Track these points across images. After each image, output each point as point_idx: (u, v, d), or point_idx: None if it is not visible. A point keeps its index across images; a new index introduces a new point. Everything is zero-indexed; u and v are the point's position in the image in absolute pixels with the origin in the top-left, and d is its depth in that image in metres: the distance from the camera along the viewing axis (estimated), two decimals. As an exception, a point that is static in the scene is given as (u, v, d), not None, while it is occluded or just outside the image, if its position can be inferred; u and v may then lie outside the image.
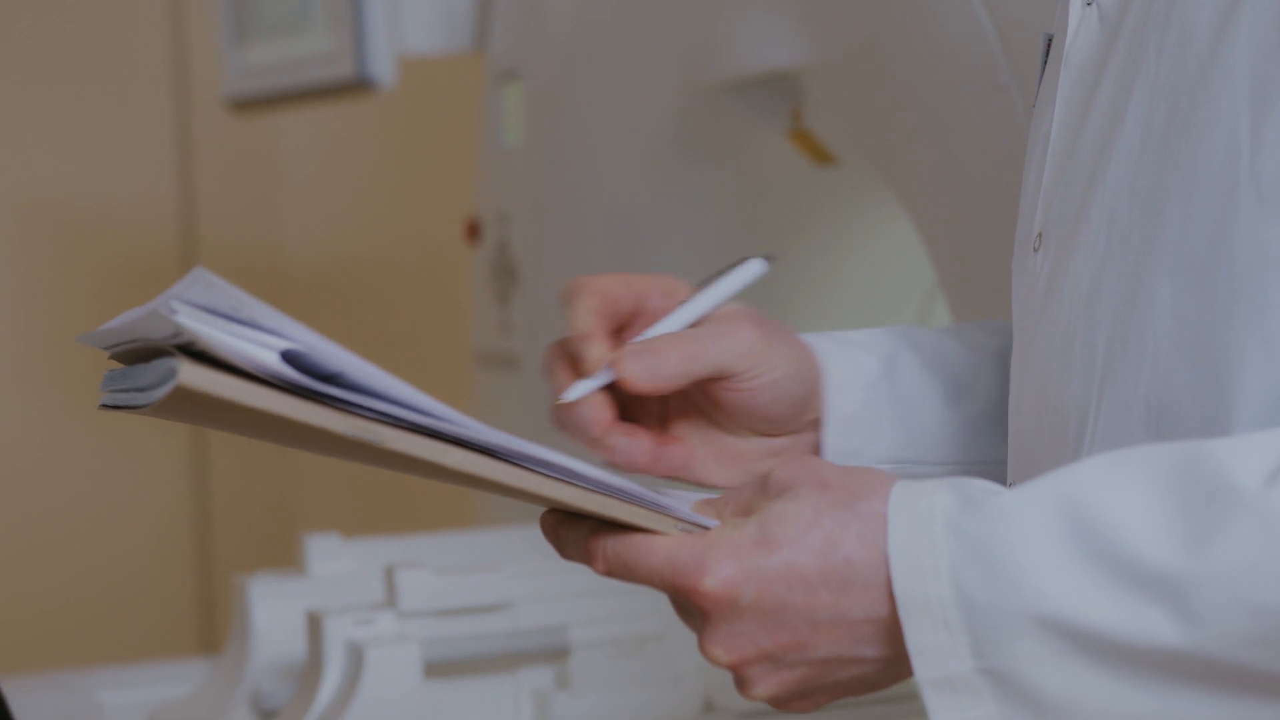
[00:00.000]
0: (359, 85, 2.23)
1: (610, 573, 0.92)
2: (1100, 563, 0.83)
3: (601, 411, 0.98)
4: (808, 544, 0.87)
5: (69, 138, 3.18)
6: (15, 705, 1.37)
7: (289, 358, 0.82)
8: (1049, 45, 1.04)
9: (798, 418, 1.03)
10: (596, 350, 0.97)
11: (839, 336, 1.07)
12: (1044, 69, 1.04)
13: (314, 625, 1.50)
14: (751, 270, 1.02)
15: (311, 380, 0.83)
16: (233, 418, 0.85)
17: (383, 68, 2.21)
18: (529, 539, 1.70)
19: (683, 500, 0.93)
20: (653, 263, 1.92)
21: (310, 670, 1.50)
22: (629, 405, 1.02)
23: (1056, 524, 0.84)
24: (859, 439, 1.05)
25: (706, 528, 0.90)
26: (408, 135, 3.25)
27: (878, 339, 1.08)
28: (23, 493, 3.17)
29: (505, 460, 0.88)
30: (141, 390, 0.84)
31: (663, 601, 1.54)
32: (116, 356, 0.87)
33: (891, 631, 0.86)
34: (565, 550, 0.94)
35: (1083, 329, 0.93)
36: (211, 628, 3.29)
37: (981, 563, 0.84)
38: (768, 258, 1.02)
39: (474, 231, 2.25)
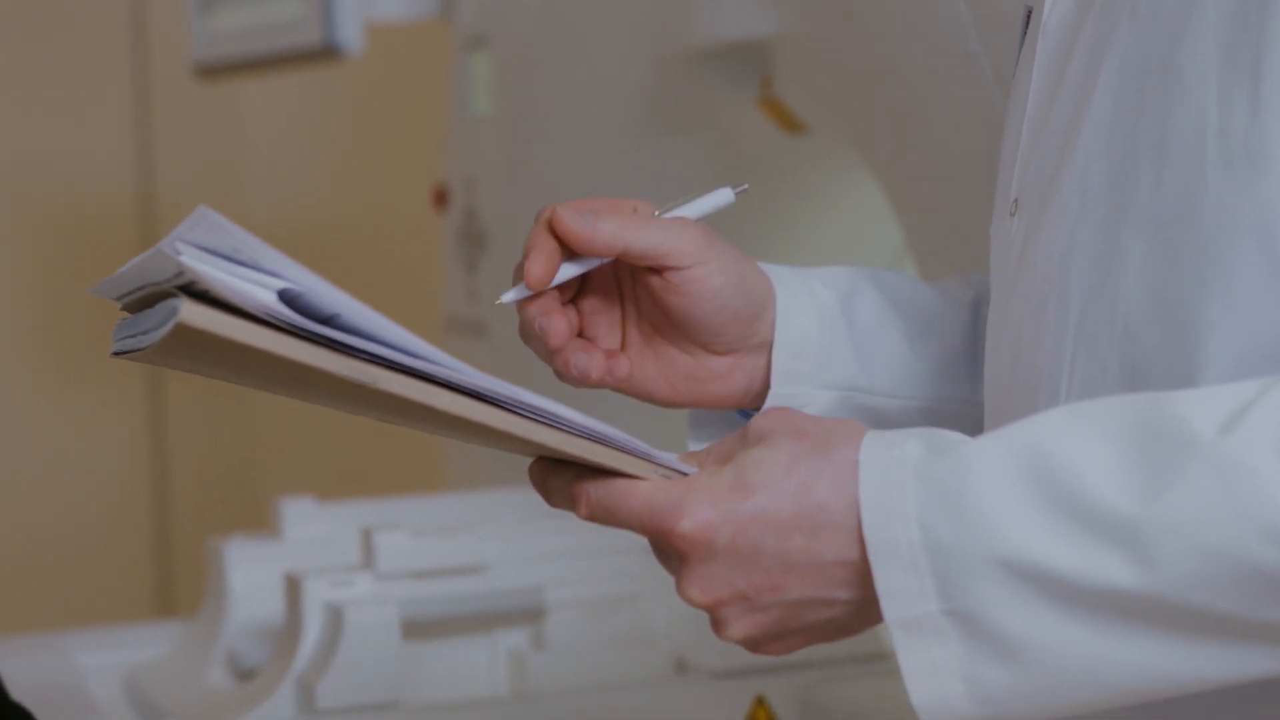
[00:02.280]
0: (326, 52, 2.24)
1: (592, 516, 0.94)
2: (1060, 508, 0.85)
3: (560, 324, 1.02)
4: (782, 489, 0.89)
5: (28, 100, 3.17)
6: (-6, 667, 1.38)
7: (286, 298, 0.83)
8: (1028, 17, 1.06)
9: (743, 336, 1.05)
10: (537, 266, 1.01)
11: (800, 270, 1.10)
12: (1023, 40, 1.06)
13: (293, 587, 1.52)
14: (719, 197, 1.05)
15: (308, 321, 0.84)
16: (230, 360, 0.86)
17: (350, 35, 2.22)
18: (502, 502, 1.72)
19: (668, 454, 0.96)
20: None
21: (289, 631, 1.51)
22: (590, 319, 1.05)
23: (1019, 471, 0.86)
24: (808, 364, 1.07)
25: (685, 474, 0.93)
26: (370, 101, 3.25)
27: (841, 274, 1.11)
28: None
29: (494, 404, 0.90)
30: (145, 333, 0.86)
31: (636, 564, 1.57)
32: (127, 307, 0.89)
33: (862, 574, 0.89)
34: (551, 497, 0.96)
35: (1056, 291, 0.95)
36: (171, 590, 3.29)
37: (947, 507, 0.87)
38: (736, 189, 1.04)
39: (441, 198, 2.26)
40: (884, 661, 1.55)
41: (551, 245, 1.02)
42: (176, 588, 3.30)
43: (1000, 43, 1.36)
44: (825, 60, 1.61)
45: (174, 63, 3.14)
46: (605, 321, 1.06)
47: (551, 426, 0.91)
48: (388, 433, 3.12)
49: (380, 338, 0.86)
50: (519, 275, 1.03)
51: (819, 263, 1.89)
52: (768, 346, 1.07)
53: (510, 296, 1.03)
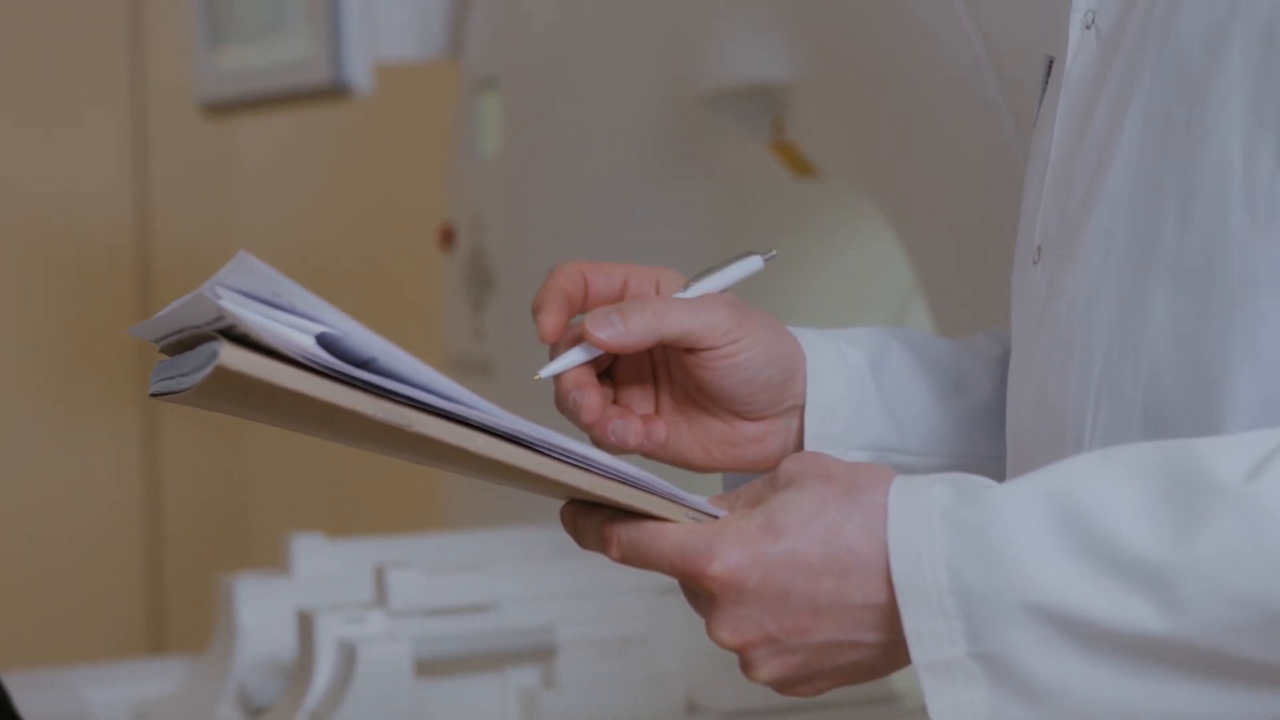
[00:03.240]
0: (335, 91, 2.25)
1: (624, 559, 0.95)
2: (1088, 552, 0.86)
3: (594, 398, 1.02)
4: (811, 532, 0.90)
5: (25, 134, 3.17)
6: None
7: (324, 342, 0.85)
8: (1050, 67, 1.07)
9: (775, 402, 1.06)
10: (548, 322, 1.01)
11: (828, 331, 1.10)
12: (1045, 89, 1.07)
13: (305, 623, 1.52)
14: (748, 265, 1.05)
15: (345, 365, 0.86)
16: (268, 403, 0.87)
17: (359, 74, 2.23)
18: (514, 541, 1.72)
19: (698, 497, 0.97)
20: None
21: (301, 668, 1.52)
22: (625, 386, 1.06)
23: (1047, 516, 0.87)
24: (839, 426, 1.08)
25: (716, 516, 0.94)
26: (364, 137, 3.26)
27: (868, 335, 1.12)
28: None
29: (527, 448, 0.91)
30: (185, 375, 0.87)
31: (648, 604, 1.58)
32: (165, 349, 0.90)
33: (890, 617, 0.90)
34: (583, 539, 0.97)
35: (1080, 338, 0.96)
36: (163, 624, 3.29)
37: (976, 551, 0.88)
38: (766, 255, 1.05)
39: (448, 238, 2.27)
40: (895, 704, 1.56)
41: (561, 300, 1.03)
42: (169, 622, 3.30)
43: (1019, 91, 1.37)
44: (839, 105, 1.62)
45: (171, 95, 3.15)
46: (638, 390, 1.07)
47: (584, 469, 0.92)
48: (383, 468, 3.12)
49: (416, 381, 0.88)
50: (553, 350, 1.03)
51: (825, 305, 1.93)
52: (799, 410, 1.07)
53: (547, 372, 1.03)
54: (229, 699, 1.63)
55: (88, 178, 3.22)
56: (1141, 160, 0.95)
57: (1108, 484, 0.87)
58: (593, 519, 0.96)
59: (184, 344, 0.89)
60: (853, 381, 1.08)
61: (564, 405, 1.03)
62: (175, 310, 0.87)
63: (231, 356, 0.84)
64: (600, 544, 0.96)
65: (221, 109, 2.48)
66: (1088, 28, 1.02)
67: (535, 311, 1.02)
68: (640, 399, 1.07)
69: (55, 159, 3.19)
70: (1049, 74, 1.07)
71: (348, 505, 3.25)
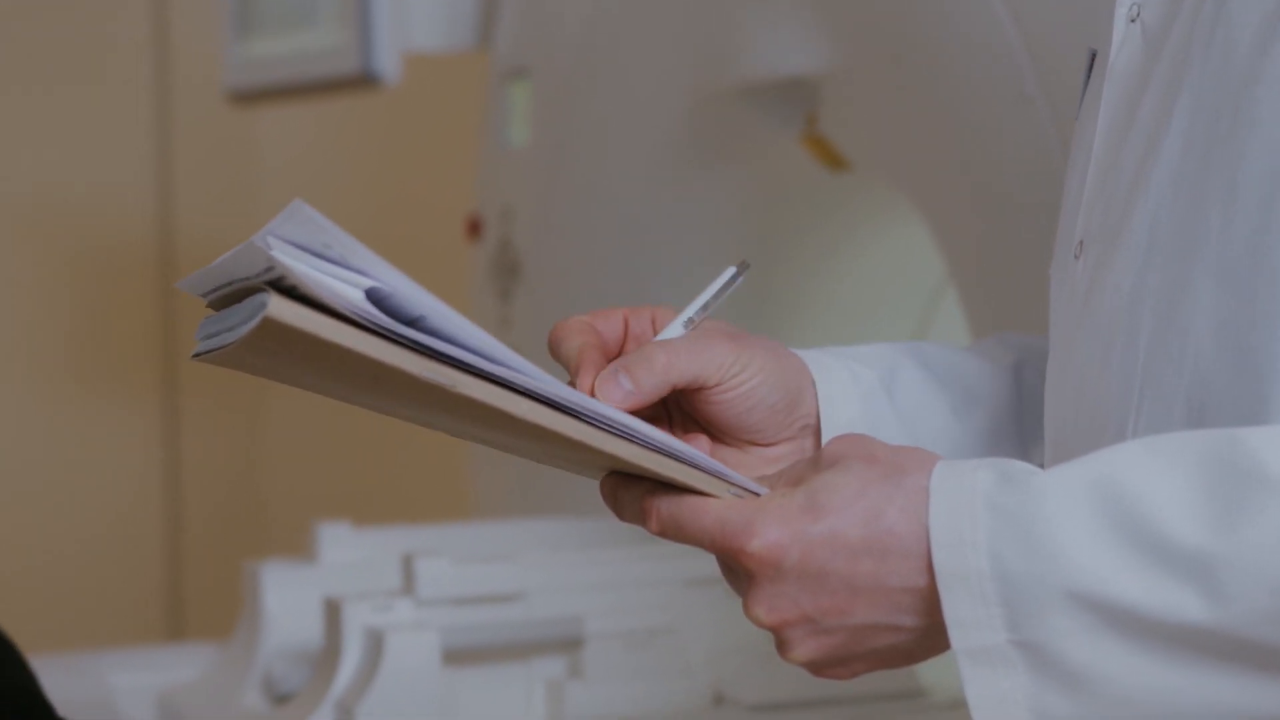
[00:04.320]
0: (364, 81, 2.24)
1: (663, 532, 0.94)
2: (1132, 540, 0.86)
3: None
4: (852, 513, 0.90)
5: (48, 125, 3.18)
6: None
7: (374, 297, 0.84)
8: (1093, 59, 1.07)
9: (782, 426, 1.05)
10: (589, 382, 1.00)
11: (836, 350, 1.10)
12: (1087, 82, 1.07)
13: (333, 611, 1.52)
14: (724, 276, 1.05)
15: (393, 321, 0.85)
16: (311, 359, 0.86)
17: (388, 64, 2.23)
18: (542, 530, 1.72)
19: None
20: (661, 264, 1.94)
21: (328, 655, 1.51)
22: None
23: (1091, 502, 0.87)
24: None
25: (757, 493, 0.93)
26: (391, 127, 3.26)
27: (878, 352, 1.11)
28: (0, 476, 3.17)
29: (571, 415, 0.90)
30: (231, 329, 0.86)
31: (676, 595, 1.57)
32: (212, 304, 0.89)
33: (929, 601, 0.89)
34: (622, 511, 0.97)
35: (1123, 332, 0.96)
36: (182, 610, 3.29)
37: (1018, 537, 0.87)
38: (740, 266, 1.05)
39: (475, 229, 2.26)
40: (923, 698, 1.55)
41: (596, 356, 1.01)
42: (188, 607, 3.30)
43: (1058, 85, 1.36)
44: (872, 98, 1.61)
45: (195, 87, 3.15)
46: (654, 424, 1.06)
47: (627, 439, 0.92)
48: (406, 454, 3.13)
49: (464, 342, 0.87)
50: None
51: (856, 300, 1.92)
52: (812, 429, 1.07)
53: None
54: (254, 686, 1.63)
55: (112, 169, 3.23)
56: (1188, 152, 0.94)
57: (1153, 471, 0.87)
58: (633, 491, 0.95)
59: (231, 298, 0.88)
60: (866, 402, 1.08)
61: None
62: (225, 261, 0.86)
63: (280, 308, 0.83)
64: (640, 516, 0.95)
65: (249, 98, 2.48)
66: (1133, 20, 1.01)
67: (573, 373, 1.01)
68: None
69: (79, 150, 3.19)
70: (1091, 67, 1.07)
71: (368, 492, 3.25)
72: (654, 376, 1.00)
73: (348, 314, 0.84)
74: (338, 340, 0.84)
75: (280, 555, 1.76)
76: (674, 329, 1.04)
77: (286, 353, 0.87)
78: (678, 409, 1.06)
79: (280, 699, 1.61)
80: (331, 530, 1.69)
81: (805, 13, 1.65)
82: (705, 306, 1.04)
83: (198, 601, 3.29)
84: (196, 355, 0.90)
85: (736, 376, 1.03)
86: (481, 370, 0.87)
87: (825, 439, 1.06)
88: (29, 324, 3.18)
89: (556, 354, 1.03)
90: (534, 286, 2.11)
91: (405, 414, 0.94)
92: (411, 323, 0.86)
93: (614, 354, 1.04)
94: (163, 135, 3.26)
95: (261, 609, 1.65)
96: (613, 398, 0.99)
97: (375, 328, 0.85)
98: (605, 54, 2.00)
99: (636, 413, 1.03)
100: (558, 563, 1.58)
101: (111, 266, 3.24)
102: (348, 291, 0.84)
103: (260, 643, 1.64)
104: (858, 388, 1.08)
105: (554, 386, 0.89)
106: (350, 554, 1.69)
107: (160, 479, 3.30)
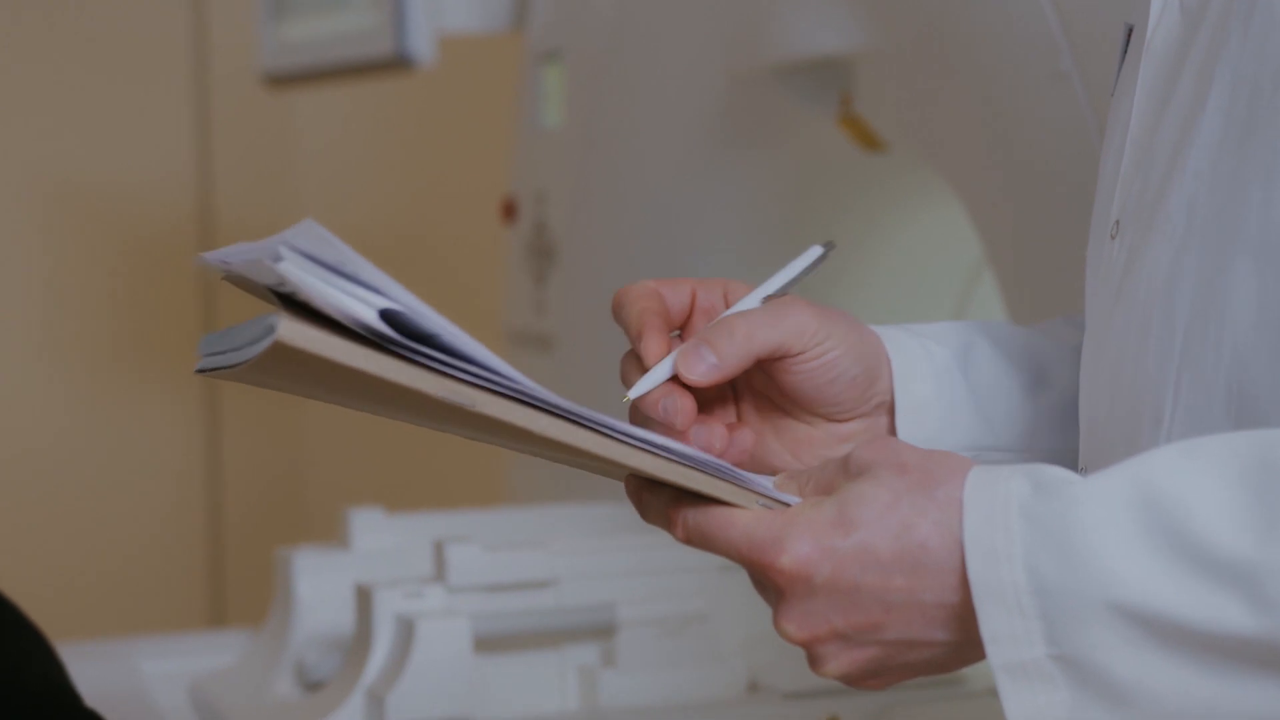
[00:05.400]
0: (398, 63, 2.23)
1: (689, 541, 0.93)
2: (1174, 549, 0.83)
3: (685, 402, 0.98)
4: (884, 526, 0.88)
5: (88, 114, 3.18)
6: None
7: (387, 316, 0.82)
8: (1129, 35, 1.04)
9: (860, 401, 1.04)
10: (654, 346, 0.98)
11: (911, 328, 1.08)
12: (1123, 58, 1.04)
13: (364, 598, 1.51)
14: (810, 255, 1.03)
15: (409, 341, 0.83)
16: (324, 379, 0.85)
17: (422, 46, 2.22)
18: (574, 517, 1.71)
19: (764, 479, 0.94)
20: (695, 246, 1.92)
21: (359, 642, 1.50)
22: (702, 398, 1.02)
23: (1130, 511, 0.84)
24: (933, 426, 1.05)
25: (786, 504, 0.91)
26: (435, 113, 3.25)
27: (952, 330, 1.09)
28: (40, 466, 3.17)
29: (590, 429, 0.89)
30: (238, 349, 0.84)
31: (709, 582, 1.56)
32: (228, 278, 0.87)
33: (963, 617, 0.87)
34: (647, 514, 0.95)
35: (1160, 314, 0.94)
36: (223, 598, 3.30)
37: (1055, 548, 0.85)
38: (826, 245, 1.03)
39: (510, 211, 2.25)
40: (960, 685, 1.54)
41: (659, 322, 0.99)
42: (229, 596, 3.30)
43: (1094, 62, 1.34)
44: (908, 78, 1.59)
45: (233, 74, 3.15)
46: (718, 402, 1.04)
47: (650, 452, 0.90)
48: (444, 444, 3.11)
49: (479, 360, 0.85)
50: (628, 373, 1.00)
51: (893, 280, 1.90)
52: (886, 406, 1.05)
53: (636, 392, 0.98)
54: (286, 673, 1.62)
55: (150, 157, 3.23)
56: (1227, 131, 0.92)
57: (1193, 477, 0.84)
58: (659, 496, 0.94)
59: (246, 283, 0.86)
60: (940, 380, 1.06)
61: (654, 414, 0.99)
62: (239, 263, 0.84)
63: (290, 331, 0.81)
64: (665, 522, 0.94)
65: (283, 81, 2.47)
66: None
67: (635, 338, 0.99)
68: (721, 410, 1.04)
69: (118, 139, 3.20)
70: (1128, 43, 1.04)
71: (408, 480, 3.24)
72: (736, 347, 0.98)
73: (361, 332, 0.82)
74: (353, 364, 0.82)
75: (319, 542, 1.75)
76: (750, 302, 1.01)
77: (298, 372, 0.85)
78: (747, 387, 1.04)
79: (312, 686, 1.60)
80: (364, 516, 1.68)
81: (838, -9, 1.64)
82: (787, 285, 1.02)
83: (239, 588, 3.29)
84: (200, 371, 0.87)
85: (820, 345, 1.00)
86: (499, 387, 0.86)
87: (899, 416, 1.04)
88: (71, 315, 3.18)
89: (619, 317, 1.00)
90: (568, 270, 2.10)
91: (420, 424, 0.92)
92: (425, 340, 0.84)
93: (677, 325, 1.02)
94: (202, 123, 3.26)
95: (294, 596, 1.63)
96: (696, 371, 0.97)
97: (389, 347, 0.83)
98: (638, 35, 1.98)
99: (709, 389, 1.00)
100: (589, 549, 1.56)
101: (153, 257, 3.24)
102: (361, 310, 0.82)
103: (292, 630, 1.63)
104: (932, 365, 1.06)
105: (570, 406, 0.88)
106: (383, 540, 1.67)
107: (202, 468, 3.30)
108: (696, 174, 1.91)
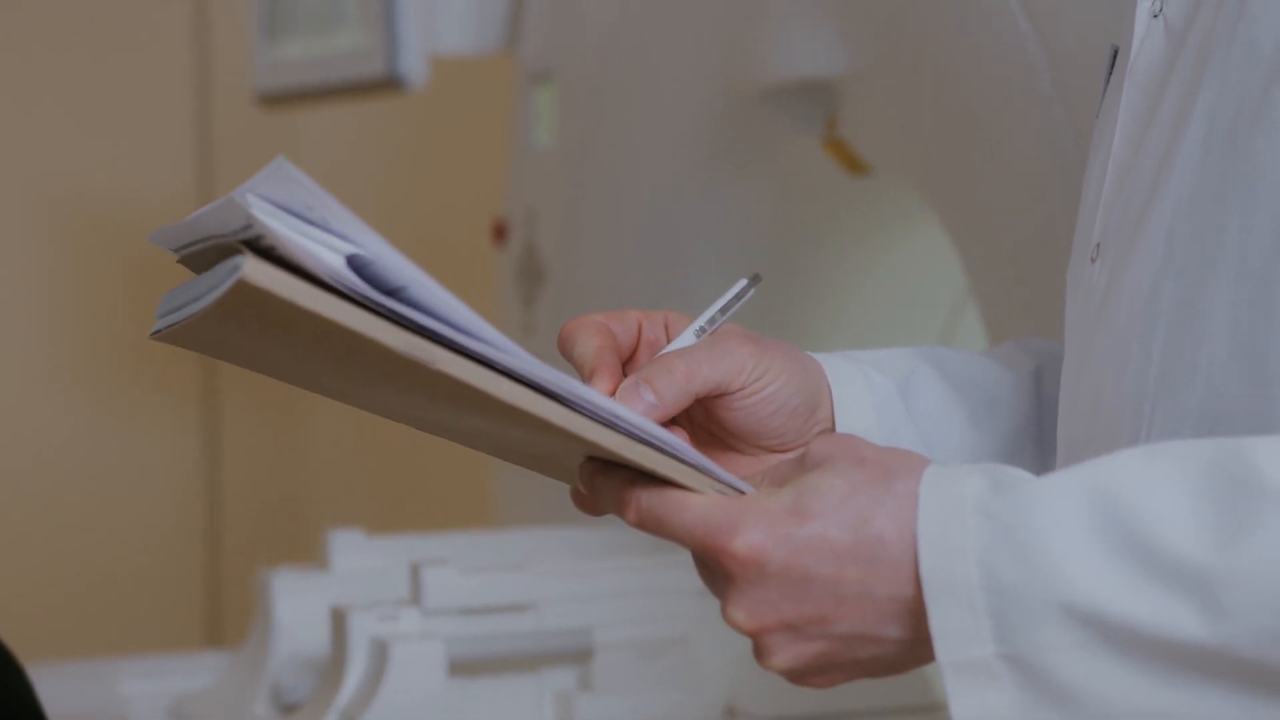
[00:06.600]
0: (390, 84, 2.23)
1: (641, 524, 0.91)
2: (1129, 553, 0.83)
3: None
4: (840, 517, 0.87)
5: (91, 128, 3.18)
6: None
7: (354, 264, 0.80)
8: (1114, 57, 1.03)
9: (802, 431, 1.03)
10: (605, 387, 0.98)
11: (853, 355, 1.07)
12: (1108, 80, 1.04)
13: (338, 620, 1.50)
14: (737, 288, 1.02)
15: (373, 290, 0.81)
16: (282, 331, 0.82)
17: (414, 67, 2.21)
18: (552, 540, 1.70)
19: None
20: (684, 266, 1.92)
21: (333, 666, 1.50)
22: None
23: (1088, 512, 0.84)
24: None
25: (742, 492, 0.90)
26: (428, 133, 3.26)
27: (895, 358, 1.08)
28: (43, 480, 3.17)
29: (554, 400, 0.87)
30: (198, 299, 0.82)
31: (687, 606, 1.55)
32: (183, 260, 0.86)
33: (915, 613, 0.86)
34: (599, 499, 0.93)
35: (1138, 339, 0.93)
36: (219, 619, 3.29)
37: (1011, 546, 0.84)
38: (751, 278, 1.03)
39: (500, 232, 2.25)
40: (938, 712, 1.53)
41: (612, 359, 0.99)
42: (225, 617, 3.30)
43: (1075, 85, 1.34)
44: (893, 102, 1.60)
45: (236, 87, 3.15)
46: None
47: (611, 428, 0.89)
48: (442, 465, 3.12)
49: (447, 317, 0.82)
50: None
51: (877, 304, 1.90)
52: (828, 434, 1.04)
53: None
54: (263, 695, 1.62)
55: (153, 171, 3.23)
56: (1207, 154, 0.91)
57: (1153, 481, 0.84)
58: (612, 479, 0.92)
59: (203, 260, 0.84)
60: (881, 410, 1.05)
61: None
62: (201, 216, 0.82)
63: (255, 271, 0.78)
64: (618, 506, 0.92)
65: (278, 100, 2.48)
66: (1155, 16, 0.98)
67: (588, 377, 0.98)
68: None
69: (122, 152, 3.20)
70: (1113, 65, 1.04)
71: (408, 499, 3.24)
72: (675, 387, 0.97)
73: (326, 280, 0.80)
74: (314, 308, 0.80)
75: (302, 563, 1.75)
76: (686, 338, 1.01)
77: (256, 322, 0.82)
78: (688, 420, 1.03)
79: (287, 709, 1.60)
80: (343, 538, 1.68)
81: (824, 14, 1.64)
82: (714, 318, 1.02)
83: (236, 606, 3.29)
84: (155, 334, 0.86)
85: (759, 380, 1.00)
86: (462, 347, 0.83)
87: None
88: (72, 330, 3.19)
89: (568, 353, 1.00)
90: (557, 292, 2.10)
91: (370, 401, 0.90)
92: (392, 293, 0.81)
93: (626, 358, 1.02)
94: (204, 138, 3.27)
95: (272, 617, 1.63)
96: (635, 411, 0.96)
97: (355, 296, 0.81)
98: (630, 57, 1.98)
99: None
100: (567, 572, 1.56)
101: (153, 270, 3.24)
102: (327, 256, 0.80)
103: (270, 651, 1.62)
104: (873, 396, 1.05)
105: (539, 368, 0.85)
106: (363, 561, 1.67)
107: (201, 484, 3.30)
108: (685, 196, 1.91)
